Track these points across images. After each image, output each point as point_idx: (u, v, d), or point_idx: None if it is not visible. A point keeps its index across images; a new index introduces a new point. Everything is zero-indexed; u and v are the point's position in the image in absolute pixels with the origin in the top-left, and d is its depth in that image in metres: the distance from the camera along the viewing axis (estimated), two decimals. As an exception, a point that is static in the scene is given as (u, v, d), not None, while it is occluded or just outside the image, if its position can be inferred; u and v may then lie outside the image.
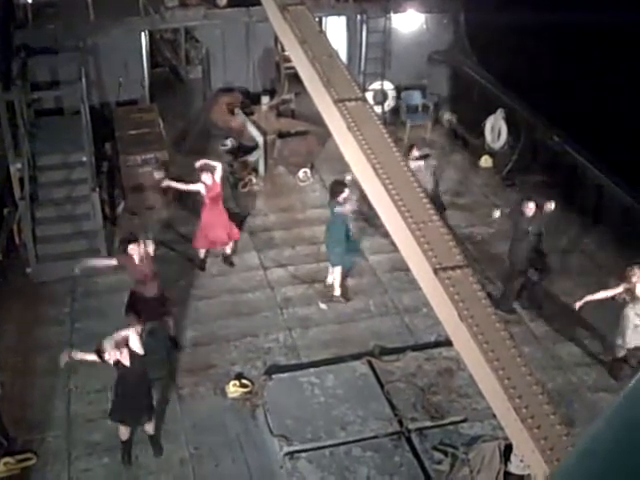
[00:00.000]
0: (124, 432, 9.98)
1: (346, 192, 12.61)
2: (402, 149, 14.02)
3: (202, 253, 13.94)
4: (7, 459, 9.95)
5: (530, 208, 12.28)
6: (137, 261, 11.37)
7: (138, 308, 11.51)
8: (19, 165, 13.95)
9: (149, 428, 10.10)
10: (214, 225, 13.55)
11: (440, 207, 13.62)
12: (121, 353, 9.39)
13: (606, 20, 16.83)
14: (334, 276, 13.25)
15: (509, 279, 12.85)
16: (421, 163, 14.00)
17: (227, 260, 14.10)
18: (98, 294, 13.33)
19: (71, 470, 9.98)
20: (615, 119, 15.49)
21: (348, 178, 12.83)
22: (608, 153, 14.47)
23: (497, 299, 12.32)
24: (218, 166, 13.58)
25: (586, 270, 13.95)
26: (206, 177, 13.32)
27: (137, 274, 11.48)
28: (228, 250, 14.04)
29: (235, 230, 14.00)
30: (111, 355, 9.35)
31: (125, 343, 9.45)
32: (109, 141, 16.47)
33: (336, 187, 12.82)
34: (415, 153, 14.15)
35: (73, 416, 10.83)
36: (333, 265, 13.23)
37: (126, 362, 9.42)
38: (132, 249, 11.30)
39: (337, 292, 13.20)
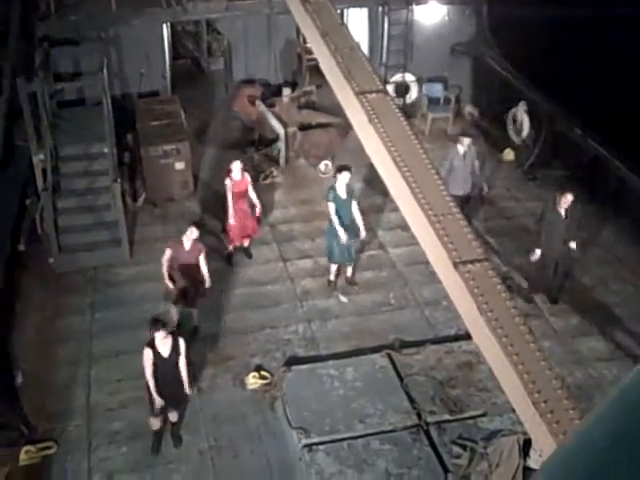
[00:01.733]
0: (155, 422, 10.05)
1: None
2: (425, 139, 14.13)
3: (231, 247, 13.99)
4: (28, 447, 10.03)
5: (566, 201, 12.23)
6: (186, 247, 11.52)
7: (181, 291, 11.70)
8: (42, 156, 14.05)
9: (173, 417, 10.17)
10: (243, 220, 13.66)
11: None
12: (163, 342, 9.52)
13: (632, 13, 16.66)
14: (346, 269, 13.32)
15: (540, 273, 12.82)
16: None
17: (246, 252, 14.13)
18: (119, 284, 13.41)
19: (91, 459, 10.05)
20: (637, 111, 15.34)
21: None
22: (630, 146, 14.34)
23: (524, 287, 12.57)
24: (236, 163, 13.59)
25: (606, 263, 13.87)
26: (234, 173, 13.43)
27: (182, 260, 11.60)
28: (246, 242, 14.08)
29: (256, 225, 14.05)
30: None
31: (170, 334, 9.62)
32: (131, 132, 16.54)
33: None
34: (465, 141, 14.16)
35: (93, 405, 10.91)
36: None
37: (165, 353, 9.53)
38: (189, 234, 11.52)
39: (331, 277, 13.30)
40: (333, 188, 12.76)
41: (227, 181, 13.43)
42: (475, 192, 14.40)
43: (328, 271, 13.36)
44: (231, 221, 13.57)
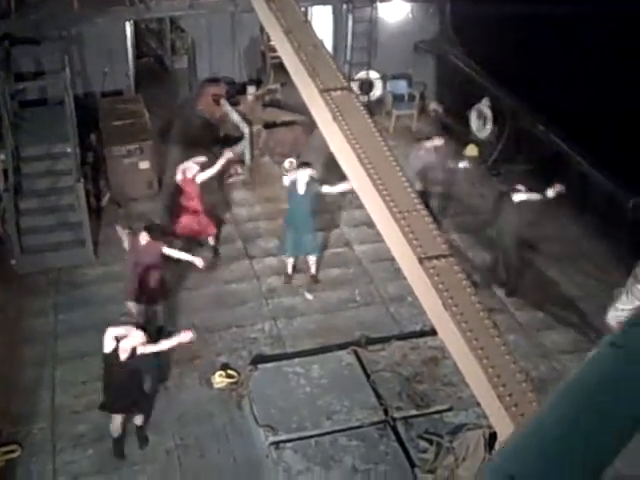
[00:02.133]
0: (117, 427, 9.93)
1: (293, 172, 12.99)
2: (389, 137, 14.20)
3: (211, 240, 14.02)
4: (-8, 451, 9.93)
5: (520, 194, 12.39)
6: (141, 247, 11.48)
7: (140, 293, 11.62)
8: (3, 156, 13.88)
9: (138, 420, 10.09)
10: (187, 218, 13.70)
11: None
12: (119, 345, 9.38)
13: (591, 9, 16.86)
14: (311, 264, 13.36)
15: (507, 264, 12.97)
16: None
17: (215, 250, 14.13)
18: (84, 285, 13.29)
19: (56, 462, 9.96)
20: (600, 108, 15.52)
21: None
22: (593, 142, 14.51)
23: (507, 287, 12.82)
24: (192, 166, 13.59)
25: (570, 257, 14.02)
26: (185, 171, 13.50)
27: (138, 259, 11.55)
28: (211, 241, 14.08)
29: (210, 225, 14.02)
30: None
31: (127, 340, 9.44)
32: (94, 132, 16.39)
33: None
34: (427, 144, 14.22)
35: (58, 408, 10.80)
36: (316, 252, 13.34)
37: (123, 356, 9.40)
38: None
39: (288, 270, 13.40)
40: (293, 183, 12.80)
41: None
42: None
43: (313, 275, 13.43)
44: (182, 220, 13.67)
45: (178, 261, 13.51)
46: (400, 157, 9.30)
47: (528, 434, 2.02)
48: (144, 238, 11.45)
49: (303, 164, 13.10)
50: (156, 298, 11.87)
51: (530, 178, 15.85)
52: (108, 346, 9.34)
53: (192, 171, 13.53)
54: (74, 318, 12.47)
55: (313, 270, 13.40)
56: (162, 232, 11.91)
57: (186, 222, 13.61)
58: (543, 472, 1.89)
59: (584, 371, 2.11)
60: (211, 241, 14.06)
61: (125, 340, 9.31)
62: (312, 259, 13.31)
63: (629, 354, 2.09)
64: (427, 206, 8.76)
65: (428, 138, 14.63)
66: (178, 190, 13.71)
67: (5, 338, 12.02)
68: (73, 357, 11.60)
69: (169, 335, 10.29)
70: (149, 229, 11.64)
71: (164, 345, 9.78)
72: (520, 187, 12.64)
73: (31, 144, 14.82)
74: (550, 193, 12.54)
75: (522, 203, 12.54)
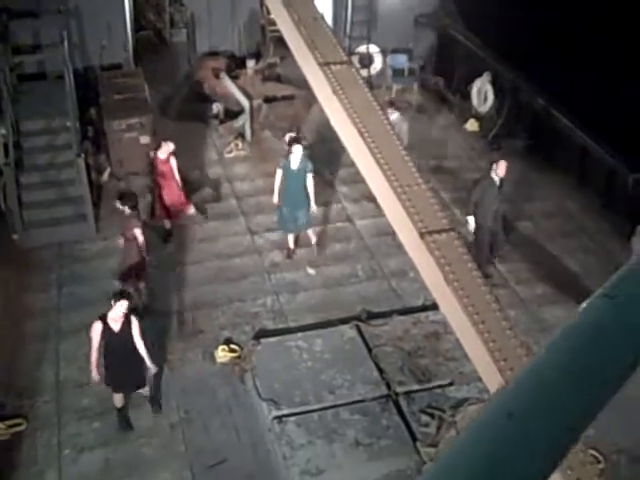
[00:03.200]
0: (118, 399, 10.03)
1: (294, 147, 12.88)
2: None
3: (167, 224, 13.82)
4: (-3, 424, 10.01)
5: (503, 168, 12.40)
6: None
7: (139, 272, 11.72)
8: (3, 131, 13.83)
9: (144, 392, 10.19)
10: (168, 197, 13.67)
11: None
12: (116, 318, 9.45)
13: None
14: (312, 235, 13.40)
15: (479, 245, 12.80)
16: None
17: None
18: (85, 260, 13.32)
19: (61, 435, 10.04)
20: (600, 83, 15.48)
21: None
22: (593, 116, 14.49)
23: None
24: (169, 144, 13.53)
25: (570, 233, 14.06)
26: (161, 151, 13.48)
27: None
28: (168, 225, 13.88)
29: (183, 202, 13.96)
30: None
31: (124, 314, 9.52)
32: (94, 106, 16.34)
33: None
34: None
35: (63, 381, 10.87)
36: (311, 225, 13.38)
37: (116, 328, 9.47)
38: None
39: (290, 245, 13.46)
40: (286, 158, 12.80)
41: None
42: None
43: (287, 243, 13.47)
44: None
45: (180, 234, 13.65)
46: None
47: (525, 376, 2.08)
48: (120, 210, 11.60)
49: (295, 139, 13.11)
50: (135, 276, 11.87)
51: (531, 153, 15.92)
52: (96, 330, 9.44)
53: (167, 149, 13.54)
54: (77, 292, 12.52)
55: (313, 240, 13.42)
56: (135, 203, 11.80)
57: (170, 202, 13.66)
58: (541, 408, 1.96)
59: (578, 321, 2.21)
60: (191, 210, 14.07)
61: (111, 311, 9.43)
62: (310, 232, 13.34)
63: (621, 304, 2.17)
64: None
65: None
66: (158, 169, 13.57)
67: (8, 313, 12.09)
68: (76, 331, 11.62)
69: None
70: (122, 199, 11.66)
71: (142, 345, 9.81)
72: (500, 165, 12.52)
73: (31, 118, 14.79)
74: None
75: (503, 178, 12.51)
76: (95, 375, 9.70)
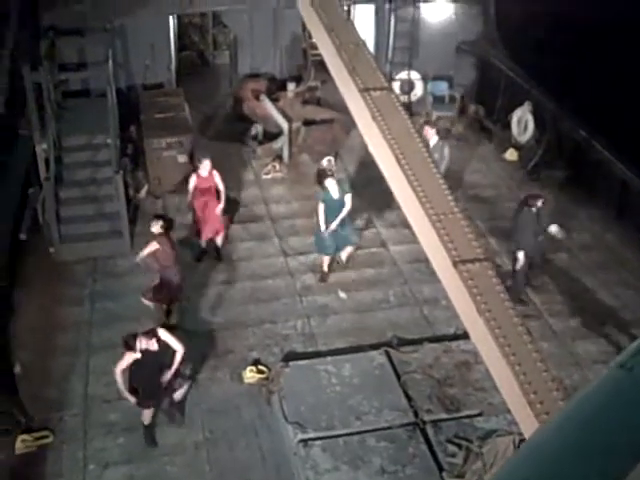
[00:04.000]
0: (148, 415, 10.07)
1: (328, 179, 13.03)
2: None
3: (203, 243, 13.91)
4: (25, 436, 10.05)
5: (540, 201, 12.42)
6: (169, 244, 11.56)
7: (164, 292, 11.73)
8: (45, 145, 14.07)
9: (165, 404, 10.28)
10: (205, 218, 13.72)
11: None
12: (150, 341, 9.57)
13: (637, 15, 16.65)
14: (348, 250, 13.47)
15: (519, 273, 12.75)
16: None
17: (217, 252, 14.02)
18: (118, 275, 13.42)
19: (87, 449, 10.07)
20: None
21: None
22: (634, 149, 14.33)
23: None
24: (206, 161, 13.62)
25: (608, 266, 13.86)
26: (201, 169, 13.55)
27: (167, 258, 11.63)
28: (219, 242, 13.98)
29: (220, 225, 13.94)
30: (142, 343, 9.52)
31: (154, 334, 9.66)
32: (134, 124, 16.53)
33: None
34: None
35: (91, 396, 10.92)
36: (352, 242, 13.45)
37: (154, 348, 9.61)
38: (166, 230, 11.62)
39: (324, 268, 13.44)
40: (324, 188, 12.87)
41: (192, 177, 13.57)
42: None
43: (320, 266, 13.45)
44: (197, 216, 13.75)
45: (216, 254, 13.71)
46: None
47: (531, 452, 1.99)
48: (157, 229, 11.67)
49: (322, 174, 13.24)
50: (172, 298, 11.99)
51: (570, 184, 15.76)
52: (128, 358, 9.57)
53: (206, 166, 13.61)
54: (109, 307, 12.61)
55: (344, 258, 13.45)
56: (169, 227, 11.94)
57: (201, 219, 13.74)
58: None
59: (591, 393, 2.04)
60: (218, 240, 13.97)
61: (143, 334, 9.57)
62: (348, 249, 13.34)
63: (638, 377, 2.01)
64: None
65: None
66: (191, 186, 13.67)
67: (41, 325, 12.20)
68: (107, 346, 11.69)
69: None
70: (161, 220, 11.80)
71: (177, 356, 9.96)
72: (536, 198, 12.49)
73: (72, 134, 15.02)
74: (553, 229, 12.45)
75: (539, 211, 12.44)
76: (131, 398, 9.80)
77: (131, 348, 9.57)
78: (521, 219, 12.53)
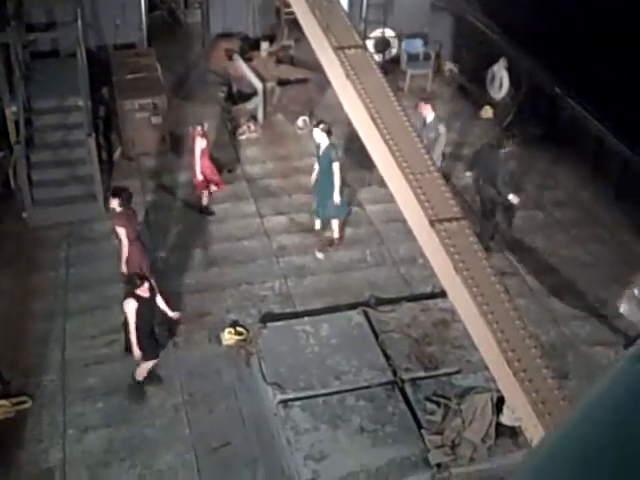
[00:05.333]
0: (146, 369, 10.14)
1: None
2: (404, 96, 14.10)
3: (205, 200, 13.98)
4: (2, 402, 10.00)
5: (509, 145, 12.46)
6: (133, 217, 11.31)
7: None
8: (14, 108, 13.82)
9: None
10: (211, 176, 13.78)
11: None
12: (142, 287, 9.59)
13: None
14: (334, 227, 13.28)
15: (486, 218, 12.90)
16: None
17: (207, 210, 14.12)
18: (93, 240, 13.28)
19: (66, 414, 10.04)
20: (618, 73, 15.29)
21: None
22: (611, 106, 14.31)
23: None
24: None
25: (582, 223, 13.94)
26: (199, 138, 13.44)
27: (133, 231, 11.22)
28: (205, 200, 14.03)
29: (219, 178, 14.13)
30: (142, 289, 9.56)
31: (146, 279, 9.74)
32: (106, 85, 16.28)
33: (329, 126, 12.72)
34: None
35: (68, 361, 10.86)
36: (338, 216, 13.22)
37: (146, 294, 9.62)
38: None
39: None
40: (334, 146, 12.71)
41: (199, 140, 13.43)
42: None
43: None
44: (199, 176, 13.59)
45: (193, 213, 13.63)
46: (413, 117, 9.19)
47: (546, 455, 1.89)
48: (116, 206, 11.04)
49: (317, 123, 12.93)
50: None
51: (545, 141, 15.77)
52: (132, 307, 9.53)
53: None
54: (85, 272, 12.50)
55: (336, 234, 13.32)
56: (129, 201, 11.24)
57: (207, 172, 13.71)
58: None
59: (606, 388, 1.89)
60: (205, 199, 14.00)
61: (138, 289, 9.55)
62: (334, 222, 13.26)
63: None
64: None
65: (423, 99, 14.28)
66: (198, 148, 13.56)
67: (16, 291, 12.09)
68: (83, 311, 11.64)
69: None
70: (117, 195, 11.13)
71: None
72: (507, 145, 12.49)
73: (43, 96, 14.75)
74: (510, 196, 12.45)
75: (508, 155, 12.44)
76: (138, 353, 9.79)
77: (137, 287, 9.50)
78: (492, 160, 12.49)
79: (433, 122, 13.45)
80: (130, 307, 9.54)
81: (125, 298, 9.67)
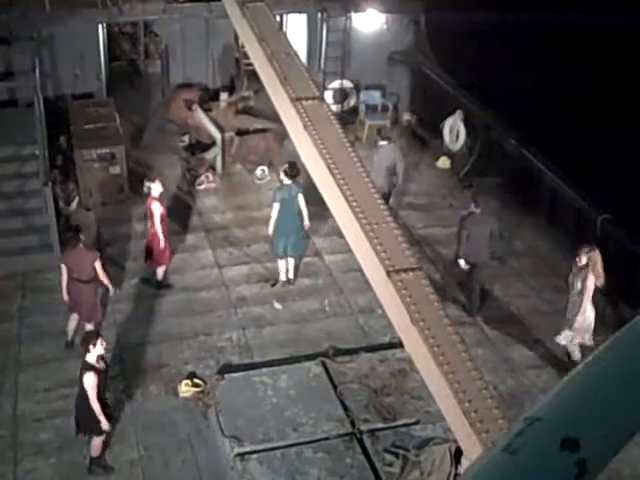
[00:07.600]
0: (100, 443, 9.73)
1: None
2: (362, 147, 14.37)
3: (160, 273, 13.22)
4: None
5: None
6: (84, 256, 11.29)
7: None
8: (-30, 157, 13.70)
9: None
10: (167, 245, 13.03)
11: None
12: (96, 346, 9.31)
13: (565, 22, 16.98)
14: (290, 266, 13.42)
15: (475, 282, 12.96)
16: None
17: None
18: (48, 290, 13.04)
19: (17, 470, 9.78)
20: (572, 124, 15.63)
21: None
22: (563, 157, 14.60)
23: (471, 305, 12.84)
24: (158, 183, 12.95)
25: (539, 272, 14.07)
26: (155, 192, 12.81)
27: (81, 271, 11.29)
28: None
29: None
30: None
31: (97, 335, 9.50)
32: (64, 135, 16.21)
33: (295, 168, 12.83)
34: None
35: (20, 415, 10.61)
36: (297, 253, 13.40)
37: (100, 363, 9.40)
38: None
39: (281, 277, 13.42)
40: (286, 190, 12.89)
41: (155, 204, 12.68)
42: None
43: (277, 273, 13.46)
44: (162, 244, 12.82)
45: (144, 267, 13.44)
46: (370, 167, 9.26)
47: (499, 454, 1.89)
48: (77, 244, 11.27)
49: (294, 174, 13.01)
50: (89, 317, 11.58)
51: (502, 191, 15.98)
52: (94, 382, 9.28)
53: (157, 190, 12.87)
54: (39, 323, 12.30)
55: (291, 274, 13.39)
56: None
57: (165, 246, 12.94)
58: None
59: (616, 341, 2.01)
60: (160, 274, 13.23)
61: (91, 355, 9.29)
62: (291, 261, 13.29)
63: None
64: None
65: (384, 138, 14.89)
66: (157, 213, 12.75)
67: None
68: (37, 363, 11.43)
69: None
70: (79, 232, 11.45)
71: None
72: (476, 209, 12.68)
73: (-1, 145, 14.63)
74: None
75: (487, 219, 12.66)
76: (105, 423, 9.45)
77: (93, 345, 9.20)
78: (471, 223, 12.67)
79: (387, 148, 14.31)
80: (89, 381, 9.21)
81: (82, 372, 9.26)
